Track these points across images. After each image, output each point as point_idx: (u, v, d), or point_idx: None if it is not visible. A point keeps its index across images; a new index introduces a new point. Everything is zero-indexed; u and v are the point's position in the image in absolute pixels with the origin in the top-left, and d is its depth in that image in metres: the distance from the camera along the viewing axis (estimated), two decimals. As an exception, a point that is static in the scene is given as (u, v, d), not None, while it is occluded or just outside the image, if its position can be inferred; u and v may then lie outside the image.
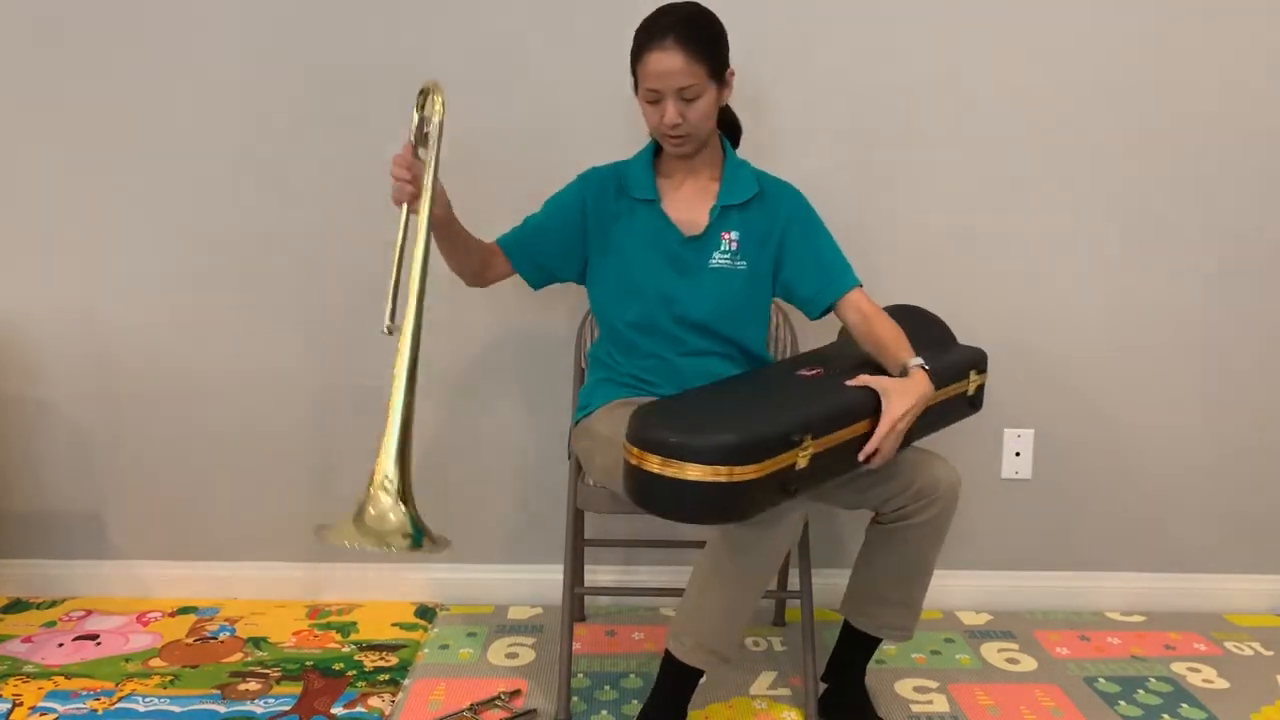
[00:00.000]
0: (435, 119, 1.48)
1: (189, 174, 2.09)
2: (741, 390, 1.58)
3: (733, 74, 1.67)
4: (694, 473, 1.32)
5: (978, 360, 1.77)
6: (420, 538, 1.38)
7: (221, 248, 2.12)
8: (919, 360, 1.57)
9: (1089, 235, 2.13)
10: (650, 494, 1.37)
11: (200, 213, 2.10)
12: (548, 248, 1.76)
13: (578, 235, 1.76)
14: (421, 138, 1.51)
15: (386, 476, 1.39)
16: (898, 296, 2.10)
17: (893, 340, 1.62)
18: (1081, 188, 2.11)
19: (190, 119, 2.07)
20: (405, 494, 1.40)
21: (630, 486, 1.40)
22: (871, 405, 1.51)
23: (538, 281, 1.81)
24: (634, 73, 1.64)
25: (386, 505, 1.38)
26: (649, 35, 1.59)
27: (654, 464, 1.35)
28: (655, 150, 1.77)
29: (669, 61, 1.56)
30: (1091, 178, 2.11)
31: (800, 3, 2.03)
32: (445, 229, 1.60)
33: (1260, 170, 2.11)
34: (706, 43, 1.59)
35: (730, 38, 1.64)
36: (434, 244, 1.55)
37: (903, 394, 1.51)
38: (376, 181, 2.08)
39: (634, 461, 1.38)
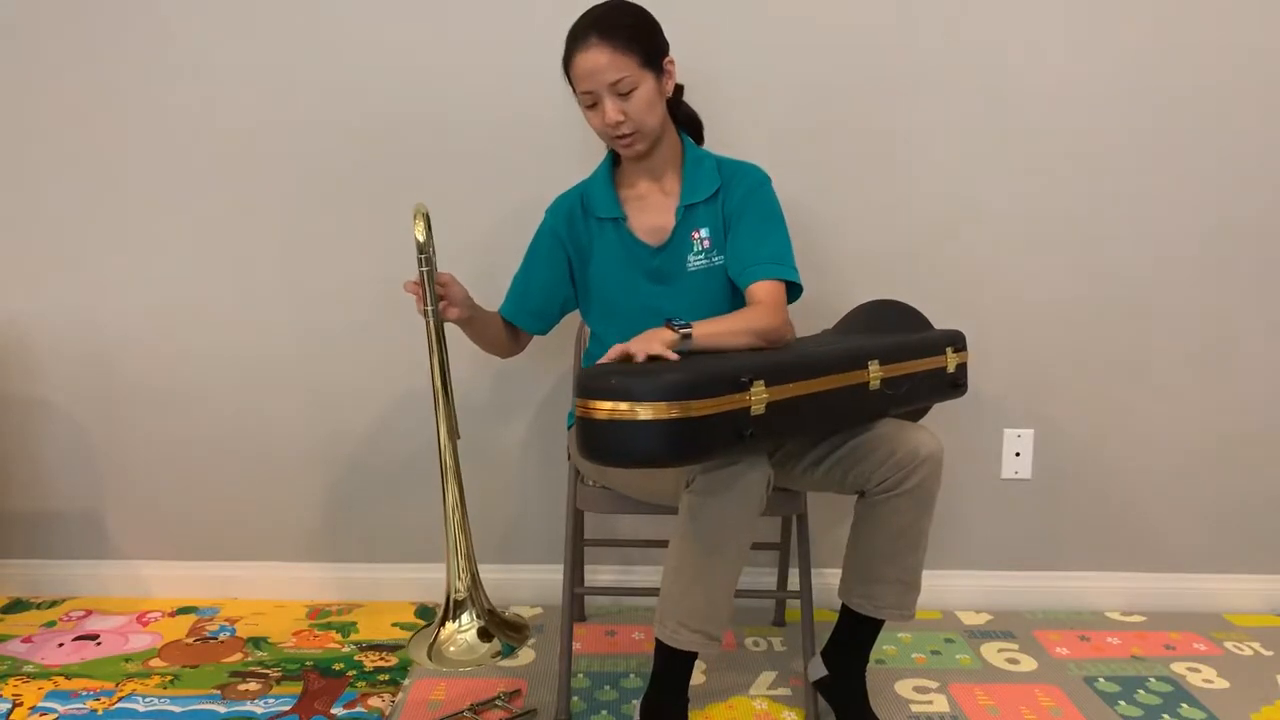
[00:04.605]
0: (420, 239, 1.51)
1: (189, 175, 2.09)
2: (697, 354, 1.53)
3: (672, 62, 1.64)
4: (645, 412, 1.29)
5: (954, 339, 1.77)
6: (510, 649, 1.51)
7: (222, 248, 2.12)
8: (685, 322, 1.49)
9: (1090, 235, 2.13)
10: (601, 441, 1.34)
11: (201, 213, 2.10)
12: (541, 297, 1.78)
13: (564, 272, 1.77)
14: (421, 259, 1.53)
15: (461, 626, 1.51)
16: (896, 296, 2.10)
17: (719, 317, 1.55)
18: (1082, 188, 2.11)
19: (190, 120, 2.07)
20: (486, 623, 1.51)
21: (582, 440, 1.37)
22: (838, 361, 1.51)
23: (547, 328, 1.83)
24: (570, 84, 1.63)
25: (470, 642, 1.50)
26: (572, 39, 1.59)
27: (602, 410, 1.32)
28: (614, 162, 1.75)
29: (594, 59, 1.56)
30: (1092, 178, 2.11)
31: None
32: (469, 326, 1.68)
33: (1262, 170, 2.11)
34: (629, 32, 1.57)
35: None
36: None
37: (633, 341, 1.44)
38: (377, 182, 2.09)
39: (580, 413, 1.35)
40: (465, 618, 1.50)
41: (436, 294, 1.55)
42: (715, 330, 1.51)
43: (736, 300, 1.72)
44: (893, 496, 1.56)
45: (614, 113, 1.58)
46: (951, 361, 1.74)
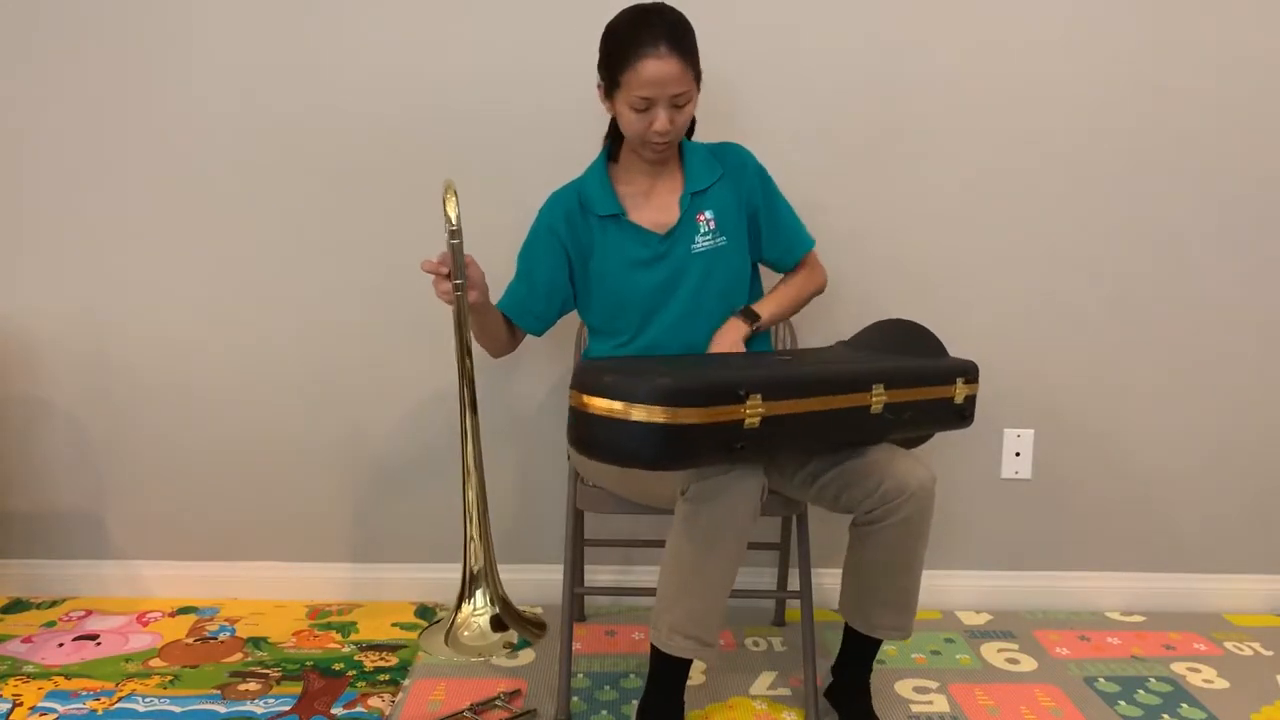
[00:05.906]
0: (452, 214, 1.52)
1: (193, 172, 2.09)
2: (703, 356, 1.60)
3: (700, 75, 1.65)
4: (637, 413, 1.31)
5: (967, 369, 1.70)
6: (523, 643, 1.55)
7: (222, 248, 2.12)
8: (750, 310, 1.71)
9: (1088, 235, 2.13)
10: (593, 436, 1.37)
11: (201, 214, 2.10)
12: (544, 298, 1.78)
13: (564, 271, 1.76)
14: (450, 234, 1.54)
15: (476, 608, 1.54)
16: (896, 297, 2.11)
17: (775, 292, 1.80)
18: (1081, 189, 2.11)
19: (193, 121, 2.07)
20: (499, 612, 1.54)
21: (574, 432, 1.39)
22: (841, 381, 1.51)
23: (544, 329, 1.83)
24: (616, 79, 1.59)
25: (483, 627, 1.54)
26: (639, 41, 1.55)
27: (598, 406, 1.34)
28: (609, 158, 1.76)
29: (667, 69, 1.54)
30: (1091, 179, 2.11)
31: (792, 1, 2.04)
32: (480, 314, 1.67)
33: (1260, 173, 2.11)
34: (693, 45, 1.59)
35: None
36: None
37: (713, 343, 1.68)
38: (377, 185, 2.09)
39: (575, 404, 1.37)
40: (480, 598, 1.50)
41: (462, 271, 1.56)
42: (778, 310, 1.75)
43: (740, 280, 1.75)
44: (882, 528, 1.55)
45: (665, 123, 1.59)
46: (960, 393, 1.68)
